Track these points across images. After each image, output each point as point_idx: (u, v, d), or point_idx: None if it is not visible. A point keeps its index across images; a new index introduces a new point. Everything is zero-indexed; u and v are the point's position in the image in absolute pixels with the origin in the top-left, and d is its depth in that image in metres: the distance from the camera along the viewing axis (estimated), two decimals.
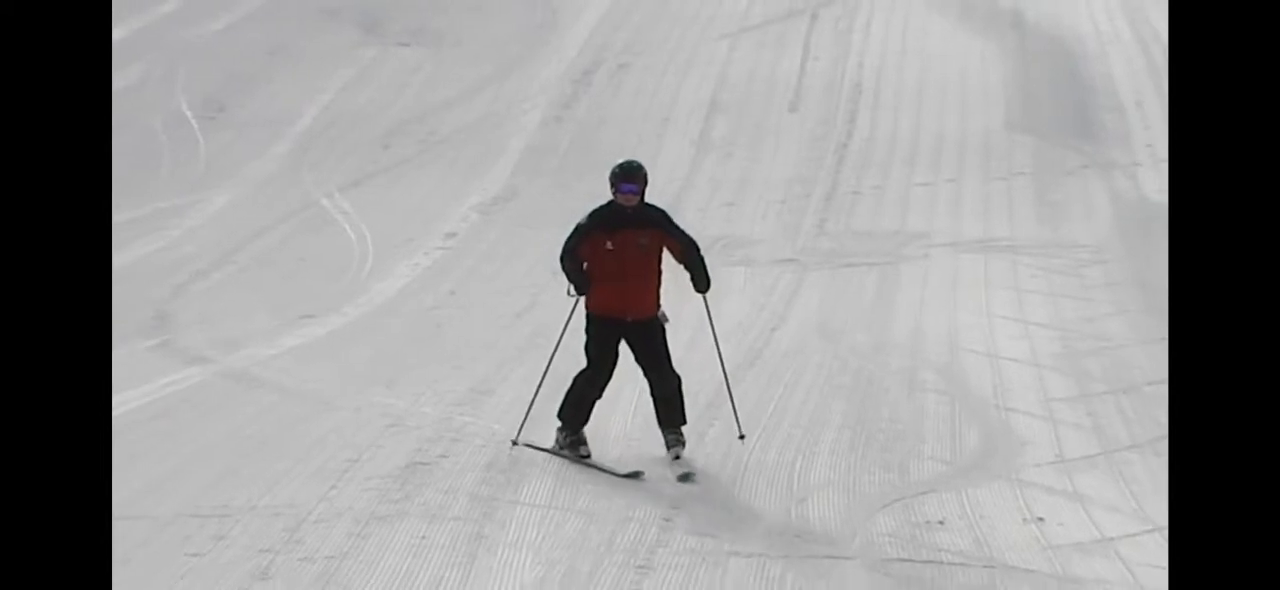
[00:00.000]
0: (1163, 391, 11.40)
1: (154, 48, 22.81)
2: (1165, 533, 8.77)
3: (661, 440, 9.70)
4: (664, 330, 9.66)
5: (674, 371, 9.66)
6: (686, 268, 9.75)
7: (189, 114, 20.78)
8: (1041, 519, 8.99)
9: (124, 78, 21.75)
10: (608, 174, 9.54)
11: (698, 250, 9.76)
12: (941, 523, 8.89)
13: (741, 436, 9.92)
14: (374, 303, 14.55)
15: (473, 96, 21.39)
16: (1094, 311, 13.69)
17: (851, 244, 16.29)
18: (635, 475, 9.40)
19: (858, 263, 15.52)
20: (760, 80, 21.55)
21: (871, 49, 22.38)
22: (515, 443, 9.89)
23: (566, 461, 9.66)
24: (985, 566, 8.27)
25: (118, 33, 23.01)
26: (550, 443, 9.83)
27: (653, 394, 9.71)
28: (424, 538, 8.59)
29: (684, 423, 9.69)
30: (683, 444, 9.64)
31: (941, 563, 8.32)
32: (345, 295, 14.70)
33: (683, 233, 9.72)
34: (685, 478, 9.40)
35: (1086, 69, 21.34)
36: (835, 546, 8.53)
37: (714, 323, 10.06)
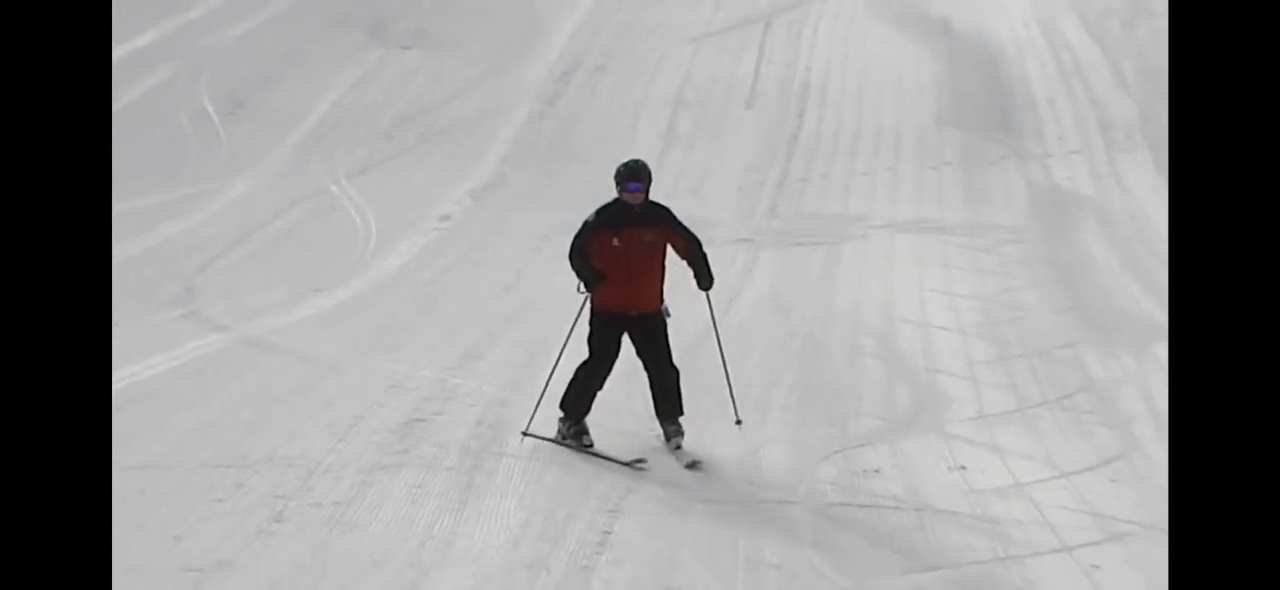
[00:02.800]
0: (1070, 354, 11.50)
1: (181, 51, 22.71)
2: (1073, 478, 8.86)
3: (660, 429, 9.20)
4: (665, 325, 9.07)
5: (673, 365, 9.10)
6: (690, 265, 9.17)
7: (212, 110, 20.69)
8: (964, 467, 9.03)
9: (154, 78, 21.67)
10: (612, 172, 9.00)
11: (701, 248, 9.16)
12: (877, 471, 8.93)
13: (738, 421, 9.38)
14: (377, 278, 14.52)
15: (467, 94, 21.34)
16: (1011, 284, 13.74)
17: (800, 225, 16.31)
18: (639, 463, 8.88)
19: (806, 242, 15.55)
20: (720, 80, 21.54)
21: (819, 53, 22.39)
22: (525, 434, 9.29)
23: (551, 430, 9.44)
24: (915, 510, 8.32)
25: (148, 37, 22.95)
26: (552, 433, 9.26)
27: (651, 386, 9.15)
28: (421, 485, 8.61)
29: (681, 413, 9.15)
30: (682, 434, 9.11)
31: (877, 507, 8.37)
32: (352, 271, 14.67)
33: (687, 231, 9.12)
34: (692, 465, 8.85)
35: (1006, 72, 21.38)
36: (785, 493, 8.57)
37: (715, 315, 9.57)
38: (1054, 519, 8.16)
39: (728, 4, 24.57)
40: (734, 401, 9.47)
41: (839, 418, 9.99)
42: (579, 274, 9.00)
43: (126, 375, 10.95)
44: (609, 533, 7.91)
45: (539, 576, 7.34)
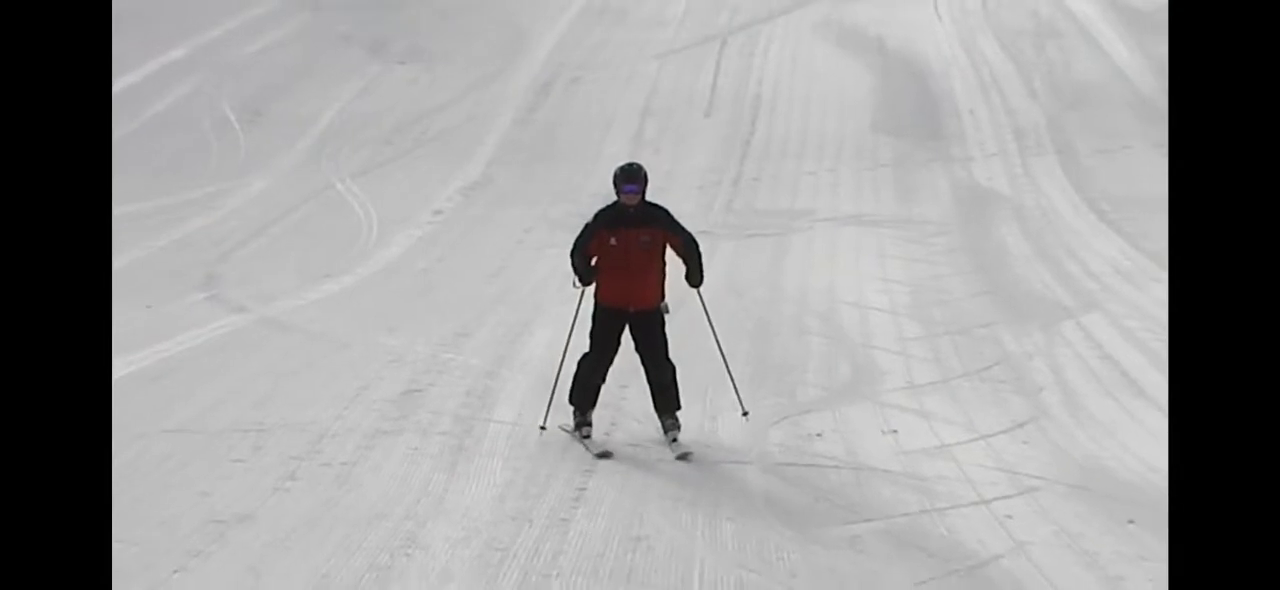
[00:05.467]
0: (988, 332, 11.55)
1: (205, 65, 22.57)
2: (990, 440, 8.90)
3: (659, 422, 8.64)
4: (663, 321, 8.45)
5: (669, 361, 8.49)
6: (684, 262, 8.58)
7: (232, 117, 20.57)
8: (896, 431, 9.07)
9: (181, 89, 21.55)
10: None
11: (697, 247, 8.55)
12: (820, 435, 8.95)
13: (744, 414, 8.89)
14: (378, 265, 14.48)
15: (457, 103, 21.27)
16: (938, 271, 13.80)
17: (753, 219, 16.33)
18: (605, 455, 8.39)
19: (758, 234, 15.57)
20: (682, 92, 21.53)
21: (769, 68, 22.41)
22: (543, 428, 8.78)
23: (534, 398, 9.40)
24: (853, 469, 8.35)
25: (175, 53, 22.82)
26: (571, 425, 8.70)
27: (649, 381, 8.55)
28: (417, 448, 8.59)
29: (679, 408, 8.57)
30: (679, 428, 8.54)
31: (820, 466, 8.39)
32: (356, 259, 14.63)
33: (683, 230, 8.51)
34: (683, 458, 8.32)
35: (933, 85, 21.44)
36: (739, 454, 8.58)
37: (708, 309, 8.95)
38: (973, 475, 8.20)
39: (688, 25, 24.57)
40: (739, 396, 9.00)
41: (787, 388, 10.01)
42: (575, 270, 8.51)
43: (158, 351, 10.90)
44: (584, 489, 7.92)
45: (522, 528, 7.34)
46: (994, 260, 14.25)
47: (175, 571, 6.72)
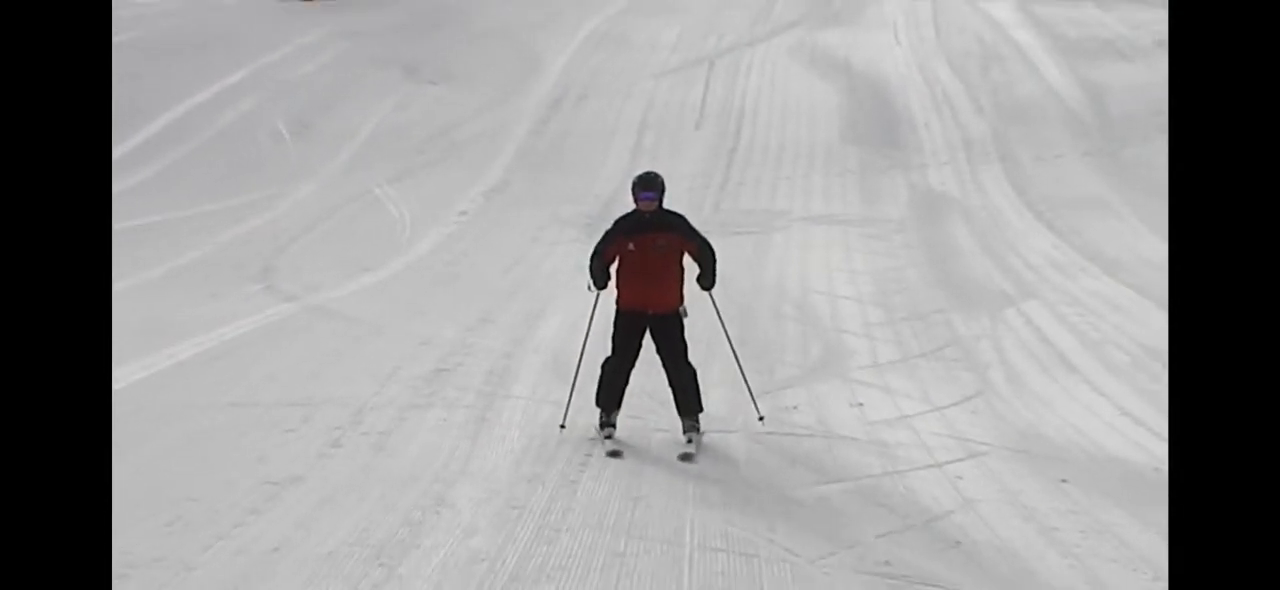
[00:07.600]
0: (941, 317, 11.53)
1: (261, 86, 22.52)
2: (944, 411, 8.90)
3: (677, 420, 8.02)
4: (682, 325, 7.81)
5: (689, 364, 7.86)
6: (698, 266, 7.96)
7: (284, 131, 20.53)
8: (862, 404, 9.06)
9: (240, 107, 21.49)
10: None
11: (712, 253, 7.87)
12: (795, 408, 8.94)
13: (761, 418, 8.21)
14: (411, 260, 14.45)
15: (479, 117, 21.22)
16: (897, 264, 13.78)
17: (738, 218, 16.29)
18: (616, 454, 7.83)
19: (742, 231, 15.54)
20: (676, 106, 21.49)
21: (751, 86, 22.37)
22: (563, 426, 8.18)
23: (547, 377, 9.39)
24: (824, 437, 8.35)
25: (236, 76, 22.77)
26: (598, 426, 8.10)
27: (670, 383, 7.92)
28: (445, 420, 8.58)
29: (700, 410, 7.91)
30: (698, 431, 7.85)
31: (795, 435, 8.39)
32: (391, 254, 14.59)
33: (699, 236, 7.84)
34: (684, 458, 7.72)
35: (892, 101, 21.40)
36: (725, 424, 8.56)
37: (720, 310, 8.47)
38: (929, 442, 8.20)
39: (681, 49, 24.51)
40: (754, 400, 8.40)
41: (767, 367, 9.99)
42: (590, 273, 7.90)
43: (220, 334, 10.88)
44: (590, 456, 7.90)
45: (536, 488, 7.34)
46: (946, 254, 14.23)
47: (235, 526, 6.72)
